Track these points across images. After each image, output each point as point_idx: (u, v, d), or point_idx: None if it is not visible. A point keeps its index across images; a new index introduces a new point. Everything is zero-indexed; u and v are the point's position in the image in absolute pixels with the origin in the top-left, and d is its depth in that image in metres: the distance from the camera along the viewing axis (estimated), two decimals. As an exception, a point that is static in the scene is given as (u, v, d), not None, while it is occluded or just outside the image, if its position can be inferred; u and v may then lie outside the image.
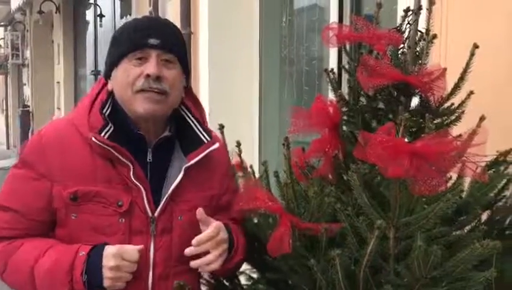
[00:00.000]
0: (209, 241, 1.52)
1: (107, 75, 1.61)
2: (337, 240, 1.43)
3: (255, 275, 1.75)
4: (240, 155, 1.81)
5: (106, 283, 1.46)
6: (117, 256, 1.46)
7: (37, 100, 11.64)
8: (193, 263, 1.53)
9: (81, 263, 1.45)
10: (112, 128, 1.53)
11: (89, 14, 9.35)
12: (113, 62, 1.58)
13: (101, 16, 8.12)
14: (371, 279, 1.34)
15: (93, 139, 1.50)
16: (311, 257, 1.41)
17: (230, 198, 1.69)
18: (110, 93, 1.60)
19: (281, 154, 1.61)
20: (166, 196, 1.56)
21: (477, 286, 1.30)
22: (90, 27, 9.31)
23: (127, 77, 1.54)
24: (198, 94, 4.26)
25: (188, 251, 1.52)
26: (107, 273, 1.45)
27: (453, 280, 1.31)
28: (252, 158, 3.93)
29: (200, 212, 1.54)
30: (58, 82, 10.46)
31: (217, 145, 1.63)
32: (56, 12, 9.90)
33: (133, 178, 1.52)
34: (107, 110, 1.57)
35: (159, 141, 1.60)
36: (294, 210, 1.49)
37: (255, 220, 1.69)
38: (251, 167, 1.83)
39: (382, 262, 1.37)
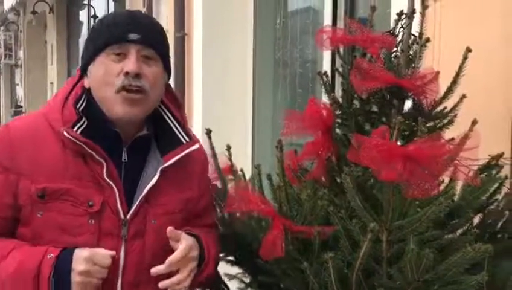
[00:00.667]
0: (179, 260, 1.47)
1: (84, 70, 1.54)
2: (330, 243, 1.43)
3: (246, 279, 1.74)
4: (230, 158, 1.79)
5: (74, 288, 1.39)
6: (88, 260, 1.39)
7: (30, 100, 11.58)
8: (162, 284, 1.46)
9: (49, 266, 1.38)
10: (86, 124, 1.47)
11: (83, 15, 9.33)
12: (90, 56, 1.50)
13: (95, 17, 8.10)
14: (364, 282, 1.34)
15: (65, 133, 1.43)
16: (304, 260, 1.40)
17: (207, 204, 1.65)
18: (85, 89, 1.53)
19: (274, 156, 1.60)
20: (140, 197, 1.50)
21: (469, 289, 1.30)
22: (84, 28, 9.29)
23: (105, 74, 1.47)
24: (191, 96, 4.29)
25: (155, 270, 1.46)
26: (76, 277, 1.38)
27: (445, 283, 1.31)
28: (244, 160, 3.93)
29: (170, 230, 1.47)
30: (51, 83, 10.41)
31: (196, 146, 1.58)
32: (49, 13, 9.86)
33: (105, 177, 1.45)
34: (81, 105, 1.50)
35: (135, 140, 1.54)
36: (287, 213, 1.49)
37: (247, 223, 1.68)
38: (241, 170, 1.82)
39: (375, 265, 1.37)
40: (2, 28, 13.72)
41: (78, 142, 1.44)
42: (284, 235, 1.41)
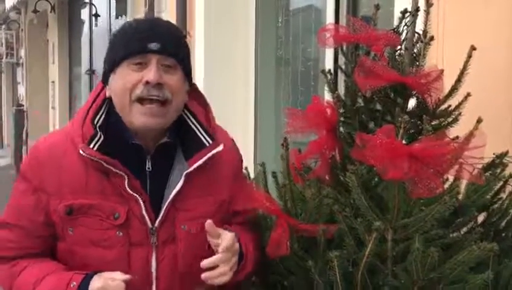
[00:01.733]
0: (223, 253, 1.44)
1: (105, 80, 1.54)
2: (334, 241, 1.43)
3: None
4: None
5: None
6: None
7: (32, 99, 11.58)
8: (205, 275, 1.43)
9: None
10: (102, 138, 1.47)
11: (84, 14, 9.32)
12: (110, 66, 1.51)
13: (96, 15, 8.09)
14: (369, 281, 1.34)
15: (81, 151, 1.44)
16: (309, 259, 1.40)
17: (242, 206, 1.60)
18: (105, 100, 1.54)
19: (276, 155, 1.60)
20: (166, 204, 1.49)
21: (475, 288, 1.30)
22: (86, 27, 9.28)
23: (125, 83, 1.46)
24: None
25: (206, 262, 1.42)
26: None
27: (451, 282, 1.31)
28: (247, 159, 3.92)
29: (209, 224, 1.44)
30: (52, 81, 10.42)
31: (220, 147, 1.55)
32: (51, 12, 9.85)
33: (128, 189, 1.46)
34: (100, 118, 1.51)
35: (158, 148, 1.53)
36: (291, 211, 1.48)
37: (252, 221, 1.68)
38: (246, 168, 1.82)
39: (380, 264, 1.37)
40: (3, 26, 13.71)
41: (95, 158, 1.45)
42: (289, 234, 1.41)
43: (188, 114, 1.59)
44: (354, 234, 1.38)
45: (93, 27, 8.46)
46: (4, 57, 13.83)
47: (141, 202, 1.47)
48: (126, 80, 1.47)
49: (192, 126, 1.57)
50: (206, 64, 4.18)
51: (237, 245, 1.48)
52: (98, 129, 1.48)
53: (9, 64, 14.83)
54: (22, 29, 12.41)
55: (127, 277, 1.42)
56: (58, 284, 1.44)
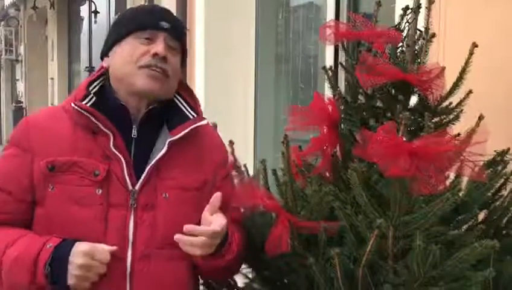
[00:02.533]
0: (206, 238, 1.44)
1: (105, 53, 1.60)
2: (335, 238, 1.42)
3: (250, 274, 1.74)
4: (233, 153, 1.79)
5: (71, 280, 1.40)
6: (87, 255, 1.40)
7: (31, 96, 11.59)
8: (177, 236, 1.45)
9: (46, 255, 1.40)
10: (94, 99, 1.53)
11: (84, 11, 9.32)
12: (117, 38, 1.57)
13: (96, 12, 8.09)
14: (370, 278, 1.34)
15: (72, 104, 1.49)
16: (310, 256, 1.40)
17: (228, 196, 1.59)
18: (103, 74, 1.59)
19: (276, 152, 1.60)
20: (148, 167, 1.51)
21: (476, 285, 1.30)
22: (85, 23, 9.28)
23: (132, 52, 1.53)
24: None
25: (189, 228, 1.45)
26: (74, 270, 1.39)
27: (452, 279, 1.31)
28: (246, 156, 3.92)
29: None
30: (52, 78, 10.43)
31: (204, 122, 1.61)
32: (50, 8, 9.85)
33: (112, 148, 1.49)
34: (95, 87, 1.57)
35: (144, 116, 1.56)
36: (292, 209, 1.48)
37: (251, 219, 1.68)
38: (245, 165, 1.81)
39: (380, 261, 1.36)
40: (2, 23, 13.70)
41: (84, 112, 1.49)
42: (289, 231, 1.41)
43: (177, 96, 1.64)
44: (355, 231, 1.38)
45: (93, 24, 8.46)
46: (3, 53, 13.83)
47: (123, 162, 1.50)
48: (132, 50, 1.54)
49: (180, 104, 1.63)
50: (206, 63, 4.18)
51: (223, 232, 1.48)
52: (91, 93, 1.54)
53: (8, 61, 14.83)
54: (21, 26, 12.42)
55: (112, 248, 1.43)
56: (32, 244, 1.43)
